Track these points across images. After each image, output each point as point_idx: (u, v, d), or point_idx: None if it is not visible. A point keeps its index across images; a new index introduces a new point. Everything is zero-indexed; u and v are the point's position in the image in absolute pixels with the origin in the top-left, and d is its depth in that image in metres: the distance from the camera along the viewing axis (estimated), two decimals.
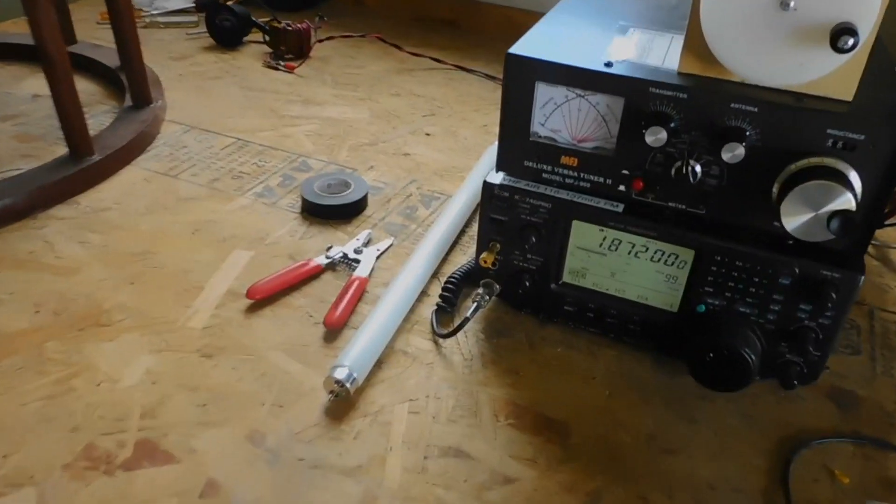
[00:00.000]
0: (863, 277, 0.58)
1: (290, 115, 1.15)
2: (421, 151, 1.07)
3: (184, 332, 0.70)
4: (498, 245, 0.71)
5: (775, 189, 0.58)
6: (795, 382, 0.62)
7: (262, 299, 0.75)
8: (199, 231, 0.85)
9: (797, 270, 0.60)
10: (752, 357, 0.61)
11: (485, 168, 0.95)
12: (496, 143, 1.02)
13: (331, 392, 0.64)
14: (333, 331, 0.72)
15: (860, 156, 0.55)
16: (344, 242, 0.84)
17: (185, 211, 0.89)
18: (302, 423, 0.62)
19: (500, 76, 1.32)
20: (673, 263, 0.65)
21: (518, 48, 0.63)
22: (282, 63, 1.32)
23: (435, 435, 0.62)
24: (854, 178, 0.55)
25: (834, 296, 0.59)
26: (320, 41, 1.40)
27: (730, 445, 0.62)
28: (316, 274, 0.80)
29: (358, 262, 0.81)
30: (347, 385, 0.63)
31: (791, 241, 0.61)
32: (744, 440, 0.62)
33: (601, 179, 0.65)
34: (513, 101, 0.64)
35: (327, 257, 0.81)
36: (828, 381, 0.66)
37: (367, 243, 0.85)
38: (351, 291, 0.76)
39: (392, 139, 1.10)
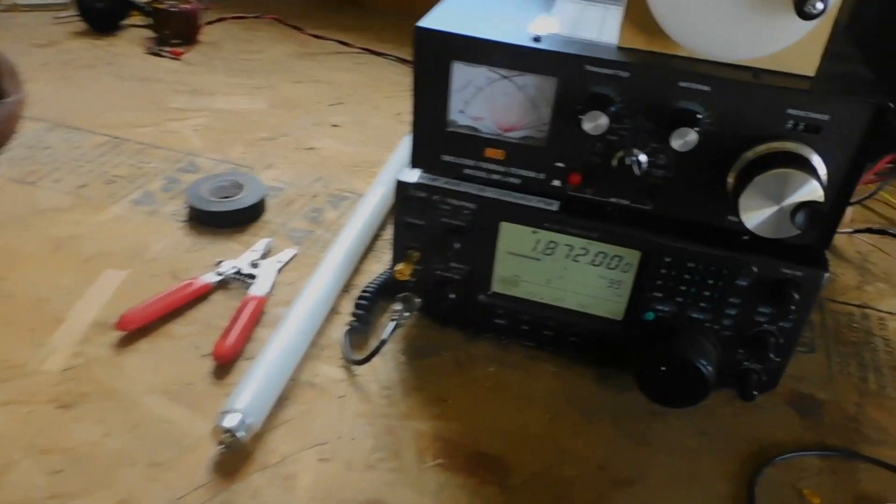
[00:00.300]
0: (827, 275, 0.52)
1: (176, 108, 1.01)
2: (327, 145, 0.96)
3: (36, 377, 0.57)
4: (416, 253, 0.61)
5: (731, 179, 0.50)
6: (755, 393, 0.55)
7: (136, 330, 0.63)
8: (61, 249, 0.72)
9: (755, 270, 0.53)
10: (709, 368, 0.54)
11: (401, 161, 0.85)
12: None
13: (220, 444, 0.53)
14: (225, 364, 0.61)
15: (825, 139, 0.48)
16: (238, 255, 0.72)
17: (44, 225, 0.75)
18: (185, 486, 0.51)
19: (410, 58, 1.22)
20: (617, 267, 0.57)
21: (429, 21, 0.53)
22: (166, 49, 1.17)
23: (350, 487, 0.52)
24: (818, 163, 0.48)
25: (796, 296, 0.52)
26: (210, 23, 1.25)
27: (688, 469, 0.54)
28: (204, 295, 0.68)
29: (254, 277, 0.70)
30: (240, 434, 0.53)
31: (746, 237, 0.54)
32: (703, 462, 0.55)
33: (532, 174, 0.56)
34: (425, 84, 0.54)
35: (217, 274, 0.69)
36: (786, 386, 0.60)
37: (265, 255, 0.73)
38: (245, 314, 0.64)
39: (294, 132, 0.98)
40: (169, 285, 0.67)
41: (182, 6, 1.19)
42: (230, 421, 0.53)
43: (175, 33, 1.20)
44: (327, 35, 1.26)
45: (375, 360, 0.62)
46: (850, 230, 0.81)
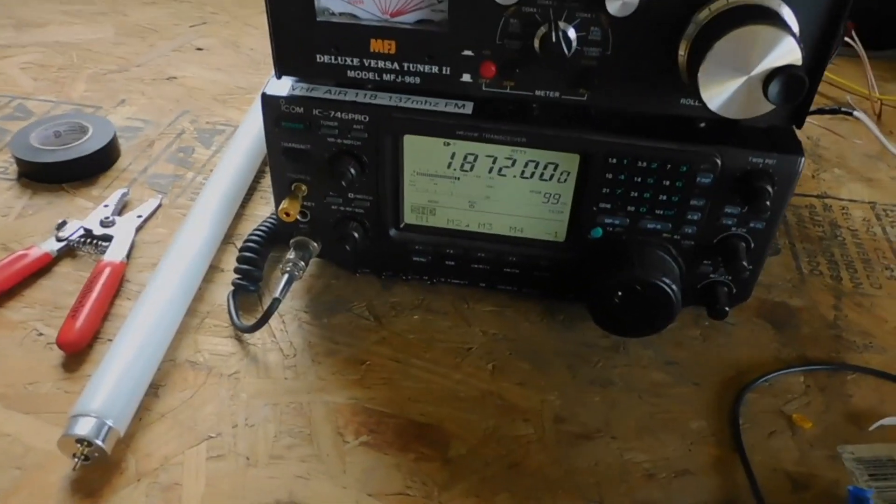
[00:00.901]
0: (803, 159, 0.43)
1: None
2: (192, 73, 0.80)
3: None
4: (303, 186, 0.49)
5: (682, 51, 0.40)
6: (727, 309, 0.47)
7: None
8: None
9: (719, 162, 0.43)
10: (673, 287, 0.45)
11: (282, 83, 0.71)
12: None
13: (75, 457, 0.41)
14: (75, 353, 0.48)
15: None
16: (86, 214, 0.58)
17: None
18: None
19: None
20: (552, 177, 0.46)
21: None
22: None
23: (253, 487, 0.41)
24: (789, 17, 0.38)
25: (770, 189, 0.43)
26: None
27: (660, 409, 0.46)
28: (44, 267, 0.54)
29: (109, 238, 0.56)
30: (99, 442, 0.40)
31: (703, 124, 0.44)
32: (675, 398, 0.46)
33: (435, 69, 0.44)
34: None
35: (59, 239, 0.55)
36: (754, 297, 0.51)
37: (120, 210, 0.59)
38: (99, 287, 0.51)
39: (150, 61, 0.82)
40: None
41: None
42: (83, 427, 0.41)
43: None
44: None
45: (273, 324, 0.50)
46: None
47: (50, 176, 0.62)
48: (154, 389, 0.46)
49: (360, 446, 0.43)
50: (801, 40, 0.37)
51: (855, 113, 0.70)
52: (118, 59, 0.82)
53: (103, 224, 0.57)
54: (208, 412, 0.45)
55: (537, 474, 0.42)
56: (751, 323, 0.51)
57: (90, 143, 0.63)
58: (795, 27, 0.39)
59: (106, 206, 0.59)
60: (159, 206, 0.60)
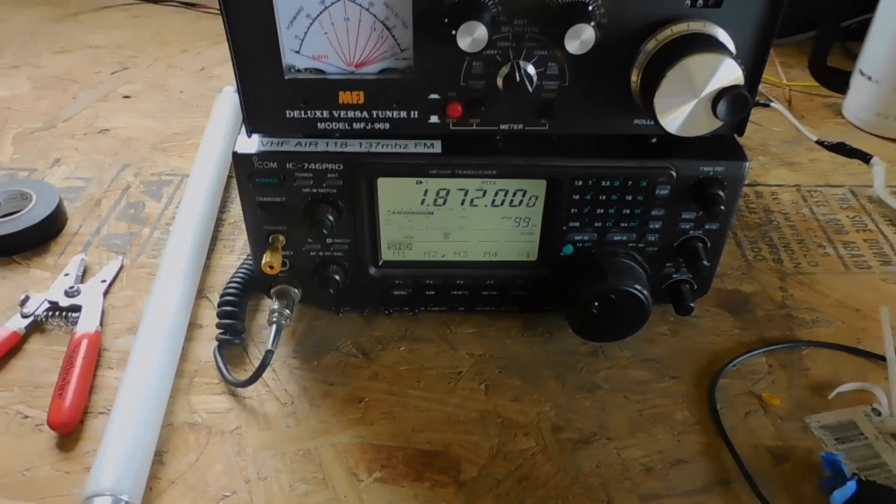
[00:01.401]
0: (748, 164, 0.47)
1: None
2: (124, 122, 0.78)
3: None
4: (281, 238, 0.49)
5: (634, 77, 0.43)
6: (692, 305, 0.51)
7: None
8: None
9: (675, 175, 0.47)
10: (644, 293, 0.48)
11: (222, 124, 0.71)
12: (228, 88, 0.77)
13: None
14: (68, 431, 0.47)
15: (729, 11, 0.42)
16: (47, 285, 0.57)
17: None
18: None
19: (201, 1, 1.04)
20: (521, 203, 0.49)
21: None
22: None
23: None
24: (727, 40, 0.42)
25: (721, 194, 0.47)
26: None
27: (647, 406, 0.49)
28: (14, 347, 0.52)
29: (78, 309, 0.55)
30: None
31: (654, 140, 0.48)
32: (658, 393, 0.50)
33: (403, 114, 0.46)
34: (243, 24, 0.42)
35: (24, 315, 0.54)
36: (712, 287, 0.56)
37: (83, 277, 0.58)
38: (80, 359, 0.50)
39: (76, 114, 0.79)
40: None
41: None
42: None
43: None
44: None
45: (263, 374, 0.51)
46: None
47: None
48: (159, 457, 0.46)
49: (375, 483, 0.45)
50: (739, 60, 0.41)
51: (772, 104, 0.76)
52: (42, 114, 0.79)
53: (68, 294, 0.56)
54: (218, 472, 0.45)
55: (547, 484, 0.44)
56: (712, 313, 0.56)
57: (36, 211, 0.61)
58: (732, 47, 0.43)
59: (66, 274, 0.57)
60: (121, 267, 0.59)
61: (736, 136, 0.48)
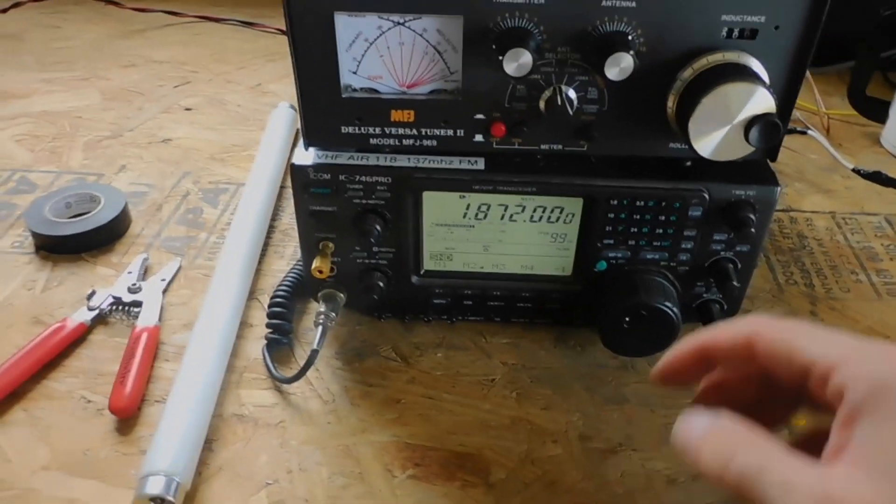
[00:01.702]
0: (779, 189, 0.49)
1: None
2: (185, 133, 0.83)
3: None
4: (331, 245, 0.53)
5: (671, 103, 0.46)
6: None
7: (4, 398, 0.51)
8: None
9: (707, 197, 0.49)
10: (674, 310, 0.50)
11: (277, 138, 0.75)
12: (283, 104, 0.82)
13: None
14: (127, 417, 0.50)
15: (763, 42, 0.44)
16: (111, 282, 0.61)
17: None
18: None
19: (259, 21, 1.09)
20: (559, 219, 0.52)
21: None
22: None
23: None
24: (760, 70, 0.44)
25: (752, 217, 0.49)
26: (4, 11, 1.06)
27: (672, 420, 0.50)
28: (80, 337, 0.56)
29: (139, 304, 0.59)
30: (171, 498, 0.43)
31: (689, 163, 0.50)
32: (683, 408, 0.51)
33: (450, 132, 0.49)
34: (306, 46, 0.45)
35: (91, 308, 0.58)
36: (742, 308, 0.57)
37: (144, 275, 0.62)
38: (140, 351, 0.54)
39: (141, 124, 0.85)
40: (33, 334, 0.55)
41: None
42: (154, 486, 0.44)
43: None
44: (151, 7, 1.11)
45: (309, 373, 0.53)
46: None
47: (69, 247, 0.64)
48: (208, 444, 0.49)
49: (408, 479, 0.47)
50: (771, 89, 0.43)
51: (809, 132, 0.77)
52: (110, 124, 0.84)
53: (131, 290, 0.60)
54: (262, 461, 0.48)
55: (574, 490, 0.46)
56: None
57: (104, 213, 0.66)
58: (766, 77, 0.45)
59: (130, 272, 0.61)
60: (179, 268, 0.63)
61: (769, 161, 0.50)
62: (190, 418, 0.48)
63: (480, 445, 0.49)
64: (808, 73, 0.83)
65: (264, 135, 0.77)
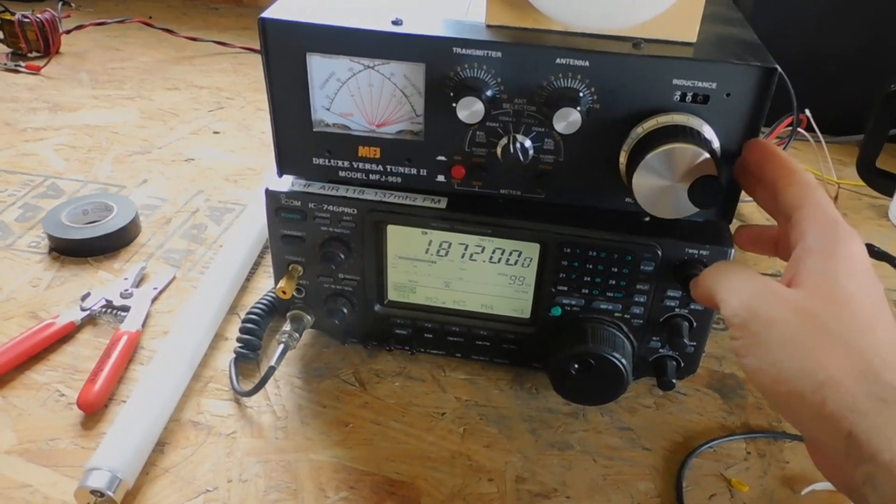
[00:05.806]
0: (733, 251, 0.49)
1: (33, 128, 0.92)
2: (207, 154, 0.88)
3: None
4: (299, 268, 0.55)
5: (623, 159, 0.47)
6: (674, 382, 0.52)
7: None
8: None
9: (659, 253, 0.49)
10: (623, 362, 0.50)
11: None
12: None
13: None
14: (92, 413, 0.54)
15: (714, 107, 0.45)
16: (107, 286, 0.65)
17: None
18: None
19: None
20: (517, 262, 0.53)
21: (276, 11, 0.47)
22: (22, 63, 1.07)
23: None
24: (710, 134, 0.45)
25: None
26: (68, 32, 1.15)
27: (612, 471, 0.51)
28: (68, 334, 0.60)
29: (127, 309, 0.62)
30: (111, 493, 0.46)
31: (647, 219, 0.50)
32: (627, 461, 0.51)
33: (413, 171, 0.51)
34: (282, 83, 0.49)
35: (83, 309, 0.62)
36: (705, 367, 0.57)
37: (138, 282, 0.66)
38: (116, 352, 0.57)
39: (170, 143, 0.90)
40: (27, 327, 0.59)
41: (37, 15, 1.09)
42: (96, 480, 0.46)
43: (32, 46, 1.10)
44: (203, 36, 1.18)
45: (269, 388, 0.56)
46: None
47: (77, 251, 0.69)
48: (160, 447, 0.51)
49: (340, 501, 0.48)
50: (718, 153, 0.44)
51: None
52: (142, 141, 0.90)
53: (122, 296, 0.63)
54: (207, 468, 0.50)
55: None
56: (700, 393, 0.57)
57: (114, 222, 0.71)
58: (716, 142, 0.45)
59: (125, 278, 0.65)
60: (173, 278, 0.67)
61: (726, 222, 0.50)
62: (144, 420, 0.51)
63: (416, 475, 0.50)
64: (822, 142, 0.83)
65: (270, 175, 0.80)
